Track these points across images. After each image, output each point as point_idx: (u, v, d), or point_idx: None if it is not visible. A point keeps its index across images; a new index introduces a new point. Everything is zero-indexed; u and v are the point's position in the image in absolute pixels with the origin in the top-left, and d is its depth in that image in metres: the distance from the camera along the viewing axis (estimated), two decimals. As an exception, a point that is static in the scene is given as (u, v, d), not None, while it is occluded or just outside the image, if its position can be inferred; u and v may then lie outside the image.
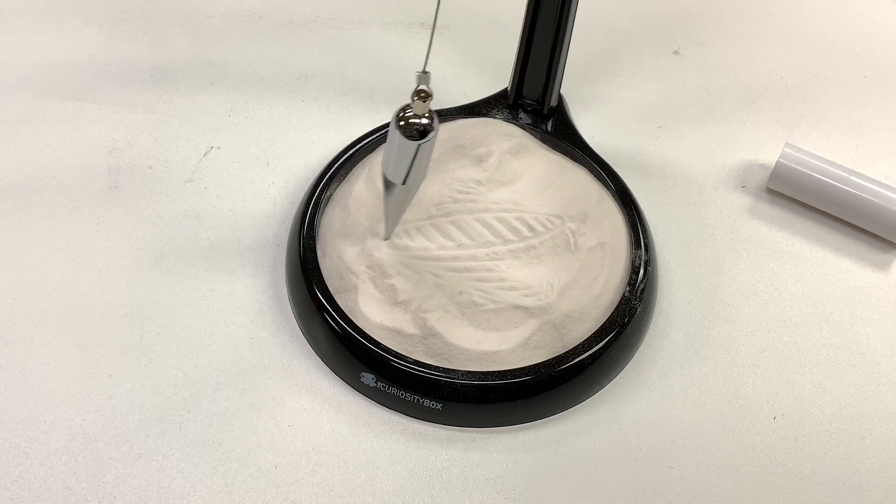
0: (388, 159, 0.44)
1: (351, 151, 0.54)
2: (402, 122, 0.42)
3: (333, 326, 0.47)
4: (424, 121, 0.42)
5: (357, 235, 0.50)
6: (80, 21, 0.64)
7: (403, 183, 0.44)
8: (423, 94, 0.41)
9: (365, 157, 0.54)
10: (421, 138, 0.42)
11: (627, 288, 0.49)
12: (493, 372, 0.46)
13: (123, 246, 0.53)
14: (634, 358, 0.50)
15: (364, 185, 0.52)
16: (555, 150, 0.55)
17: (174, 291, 0.51)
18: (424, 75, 0.41)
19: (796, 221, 0.56)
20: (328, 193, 0.52)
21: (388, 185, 0.46)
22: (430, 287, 0.48)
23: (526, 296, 0.48)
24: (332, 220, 0.51)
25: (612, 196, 0.53)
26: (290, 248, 0.51)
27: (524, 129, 0.55)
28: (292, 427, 0.47)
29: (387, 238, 0.49)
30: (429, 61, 0.42)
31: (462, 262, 0.49)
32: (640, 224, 0.52)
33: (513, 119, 0.56)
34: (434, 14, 0.41)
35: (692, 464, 0.46)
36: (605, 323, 0.48)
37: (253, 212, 0.55)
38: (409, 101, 0.42)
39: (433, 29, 0.41)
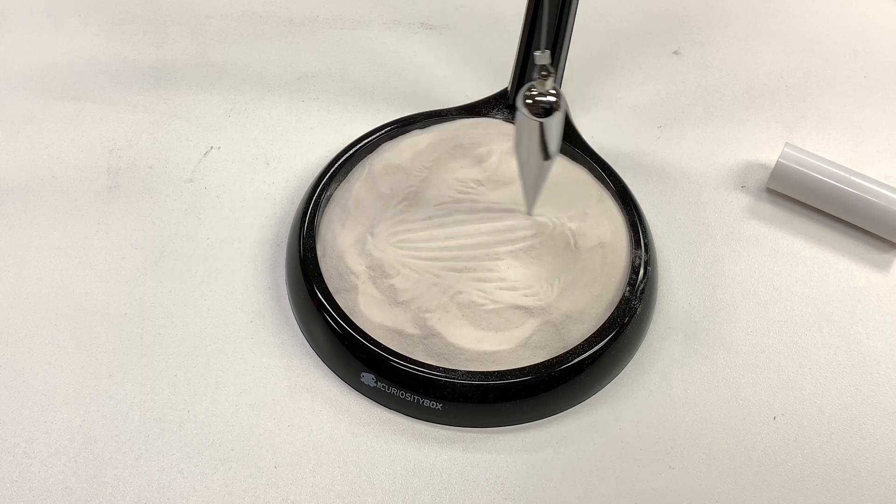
0: (527, 142, 0.45)
1: (351, 151, 0.54)
2: (529, 101, 0.43)
3: (333, 326, 0.47)
4: (550, 98, 0.43)
5: (357, 235, 0.50)
6: (80, 21, 0.64)
7: (547, 159, 0.46)
8: (544, 73, 0.42)
9: (365, 157, 0.54)
10: (545, 116, 0.43)
11: (627, 288, 0.49)
12: (493, 372, 0.46)
13: (123, 246, 0.53)
14: (634, 358, 0.50)
15: (364, 185, 0.52)
16: (555, 150, 0.55)
17: (174, 291, 0.51)
18: (544, 54, 0.41)
19: (796, 221, 0.56)
20: (328, 193, 0.52)
21: (524, 165, 0.47)
22: (430, 287, 0.48)
23: (526, 296, 0.48)
24: (332, 220, 0.51)
25: (612, 196, 0.53)
26: (290, 248, 0.51)
27: (524, 129, 0.55)
28: (292, 427, 0.47)
29: (530, 212, 0.51)
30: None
31: (462, 262, 0.49)
32: (640, 224, 0.52)
33: (513, 119, 0.56)
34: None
35: (692, 464, 0.46)
36: (605, 323, 0.48)
37: (253, 212, 0.55)
38: (528, 80, 0.43)
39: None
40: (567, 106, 0.43)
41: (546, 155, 0.45)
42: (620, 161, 0.56)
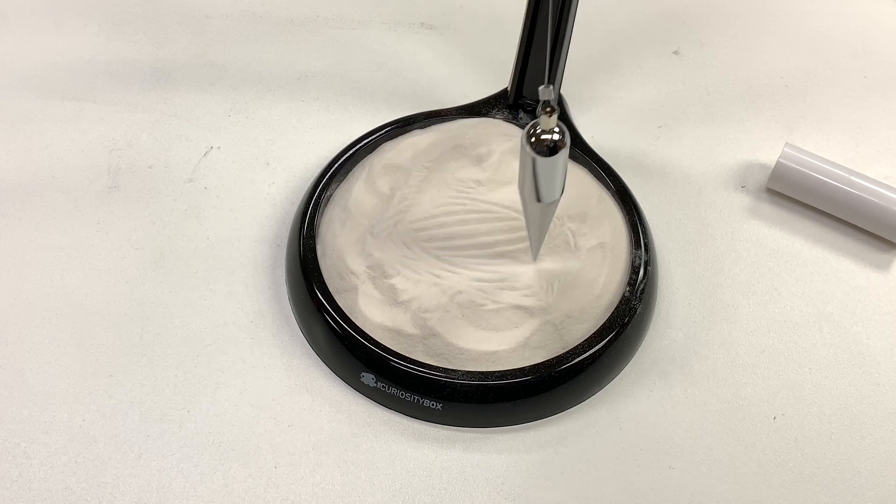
0: (530, 181, 0.42)
1: (351, 151, 0.54)
2: (532, 140, 0.40)
3: (333, 326, 0.47)
4: (554, 136, 0.40)
5: (357, 235, 0.50)
6: (80, 21, 0.64)
7: (538, 200, 0.43)
8: (548, 109, 0.39)
9: (365, 157, 0.54)
10: (550, 155, 0.40)
11: (627, 288, 0.49)
12: (493, 372, 0.46)
13: (123, 246, 0.53)
14: (634, 358, 0.50)
15: (364, 185, 0.52)
16: (555, 150, 0.55)
17: (174, 291, 0.51)
18: (548, 89, 0.39)
19: (796, 221, 0.56)
20: (328, 193, 0.52)
21: (529, 206, 0.44)
22: (430, 287, 0.48)
23: (526, 296, 0.48)
24: (332, 220, 0.51)
25: (612, 196, 0.53)
26: (290, 248, 0.51)
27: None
28: (292, 427, 0.47)
29: (534, 259, 0.49)
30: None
31: (462, 261, 0.49)
32: (640, 224, 0.52)
33: (513, 119, 0.56)
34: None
35: (692, 464, 0.46)
36: (605, 323, 0.48)
37: (253, 212, 0.55)
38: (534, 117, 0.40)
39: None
40: (569, 143, 0.41)
41: (538, 196, 0.43)
42: (620, 161, 0.56)
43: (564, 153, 0.41)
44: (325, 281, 0.49)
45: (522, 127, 0.55)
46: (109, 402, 0.47)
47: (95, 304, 0.50)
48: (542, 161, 0.41)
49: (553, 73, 0.54)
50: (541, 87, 0.39)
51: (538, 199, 0.43)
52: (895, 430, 0.48)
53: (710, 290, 0.53)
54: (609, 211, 0.52)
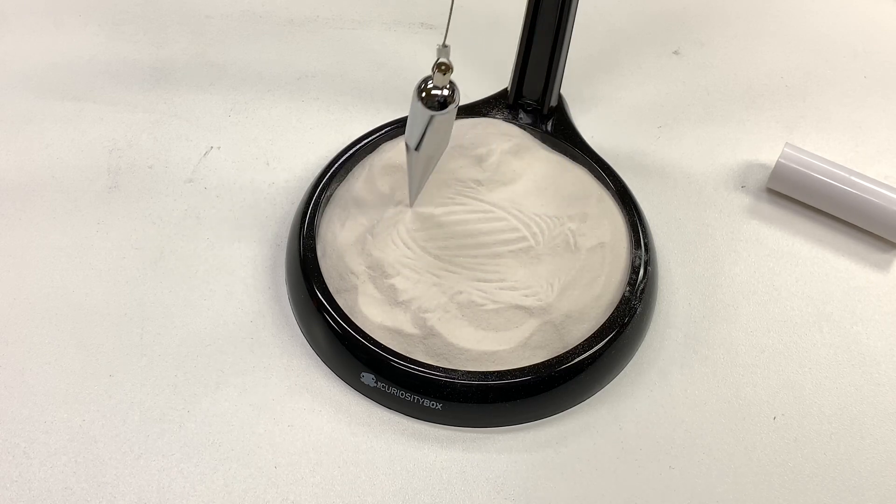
0: (408, 125, 0.46)
1: (351, 151, 0.54)
2: (423, 94, 0.43)
3: (333, 326, 0.47)
4: (445, 92, 0.43)
5: (357, 235, 0.50)
6: (80, 21, 0.64)
7: (416, 149, 0.46)
8: (443, 67, 0.42)
9: (365, 157, 0.54)
10: (440, 109, 0.44)
11: (627, 288, 0.49)
12: (493, 372, 0.46)
13: (123, 246, 0.53)
14: (634, 358, 0.50)
15: (364, 185, 0.52)
16: (555, 150, 0.55)
17: (174, 291, 0.51)
18: (445, 48, 0.42)
19: (796, 221, 0.56)
20: (328, 193, 0.52)
21: (408, 150, 0.47)
22: (430, 287, 0.48)
23: (526, 296, 0.48)
24: (332, 220, 0.51)
25: (612, 196, 0.53)
26: (290, 248, 0.51)
27: (524, 129, 0.55)
28: (292, 427, 0.47)
29: (411, 205, 0.51)
30: (433, 62, 0.42)
31: (462, 261, 0.49)
32: (640, 224, 0.52)
33: (513, 119, 0.56)
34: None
35: (692, 464, 0.46)
36: (605, 323, 0.48)
37: (253, 212, 0.55)
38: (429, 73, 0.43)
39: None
40: (459, 101, 0.44)
41: (418, 146, 0.46)
42: (620, 161, 0.56)
43: (452, 110, 0.44)
44: (325, 281, 0.49)
45: (522, 127, 0.55)
46: (109, 402, 0.47)
47: (95, 304, 0.50)
48: (429, 115, 0.44)
49: (552, 75, 0.54)
50: (437, 46, 0.42)
51: (417, 149, 0.46)
52: (895, 430, 0.48)
53: (710, 290, 0.53)
54: (609, 211, 0.52)
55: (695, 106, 0.62)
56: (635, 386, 0.49)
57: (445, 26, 0.42)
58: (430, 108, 0.44)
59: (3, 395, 0.47)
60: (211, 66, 0.62)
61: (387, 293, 0.48)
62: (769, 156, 0.59)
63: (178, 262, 0.52)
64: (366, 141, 0.54)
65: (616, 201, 0.53)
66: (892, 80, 0.64)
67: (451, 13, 0.42)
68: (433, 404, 0.46)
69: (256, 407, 0.47)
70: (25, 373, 0.48)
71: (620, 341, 0.48)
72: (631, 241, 0.51)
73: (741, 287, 0.53)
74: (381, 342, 0.47)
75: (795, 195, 0.56)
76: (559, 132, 0.56)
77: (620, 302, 0.49)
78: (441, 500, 0.45)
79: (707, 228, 0.55)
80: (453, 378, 0.46)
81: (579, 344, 0.47)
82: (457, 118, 0.55)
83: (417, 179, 0.49)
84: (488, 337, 0.47)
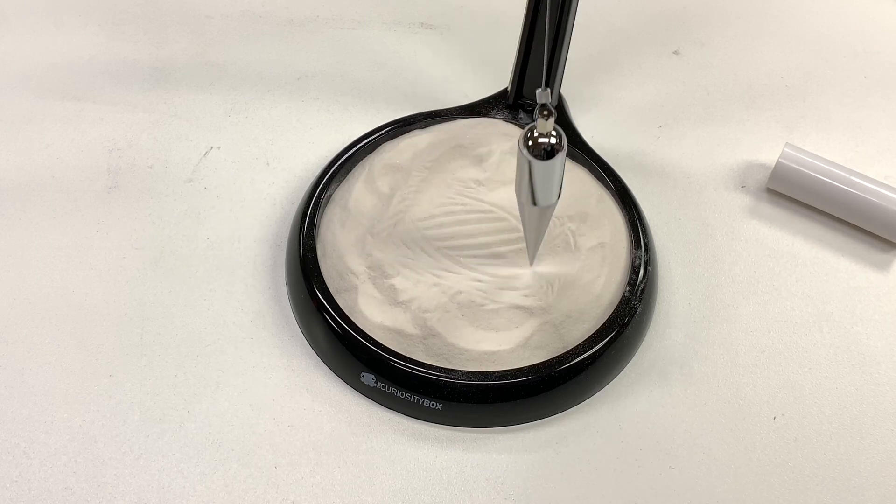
0: (517, 178, 0.43)
1: (351, 151, 0.54)
2: (529, 143, 0.40)
3: (333, 326, 0.47)
4: (552, 140, 0.40)
5: (357, 235, 0.50)
6: (80, 21, 0.64)
7: (534, 203, 0.43)
8: (545, 112, 0.39)
9: (365, 157, 0.54)
10: (548, 158, 0.40)
11: (627, 288, 0.49)
12: (493, 372, 0.46)
13: (123, 246, 0.53)
14: (634, 358, 0.50)
15: (364, 185, 0.52)
16: (555, 150, 0.55)
17: (174, 291, 0.51)
18: (545, 92, 0.39)
19: (796, 221, 0.56)
20: (328, 193, 0.52)
21: (520, 206, 0.44)
22: (430, 287, 0.48)
23: (526, 296, 0.48)
24: (332, 220, 0.51)
25: (612, 196, 0.53)
26: (290, 248, 0.51)
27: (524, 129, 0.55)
28: (292, 427, 0.47)
29: (531, 263, 0.49)
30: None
31: (462, 261, 0.49)
32: (640, 224, 0.52)
33: (513, 119, 0.56)
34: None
35: (692, 464, 0.46)
36: (605, 323, 0.48)
37: (253, 212, 0.55)
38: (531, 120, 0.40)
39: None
40: (566, 147, 0.41)
41: (534, 200, 0.43)
42: (620, 161, 0.56)
43: (561, 157, 0.41)
44: (325, 281, 0.49)
45: (522, 127, 0.55)
46: (109, 402, 0.47)
47: (95, 304, 0.50)
48: (538, 165, 0.41)
49: (552, 75, 0.54)
50: (538, 91, 0.39)
51: (534, 203, 0.43)
52: (895, 430, 0.48)
53: (710, 290, 0.53)
54: (609, 211, 0.52)
55: (695, 106, 0.62)
56: (635, 386, 0.49)
57: (544, 70, 0.39)
58: (537, 157, 0.40)
59: (3, 395, 0.47)
60: (211, 66, 0.62)
61: (387, 293, 0.48)
62: (769, 156, 0.59)
63: (178, 262, 0.52)
64: (366, 141, 0.54)
65: (616, 201, 0.53)
66: (892, 80, 0.64)
67: (552, 56, 0.38)
68: (433, 404, 0.46)
69: (256, 407, 0.47)
70: (25, 373, 0.48)
71: (620, 341, 0.48)
72: (631, 241, 0.51)
73: (741, 287, 0.53)
74: (381, 342, 0.47)
75: (795, 195, 0.56)
76: (559, 132, 0.56)
77: (620, 302, 0.49)
78: (441, 500, 0.45)
79: (707, 228, 0.55)
80: (453, 378, 0.46)
81: (579, 344, 0.47)
82: (457, 118, 0.56)
83: (534, 234, 0.46)
84: (488, 337, 0.47)
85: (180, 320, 0.50)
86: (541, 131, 0.40)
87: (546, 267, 0.49)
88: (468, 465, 0.46)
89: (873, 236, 0.55)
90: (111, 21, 0.64)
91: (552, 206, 0.44)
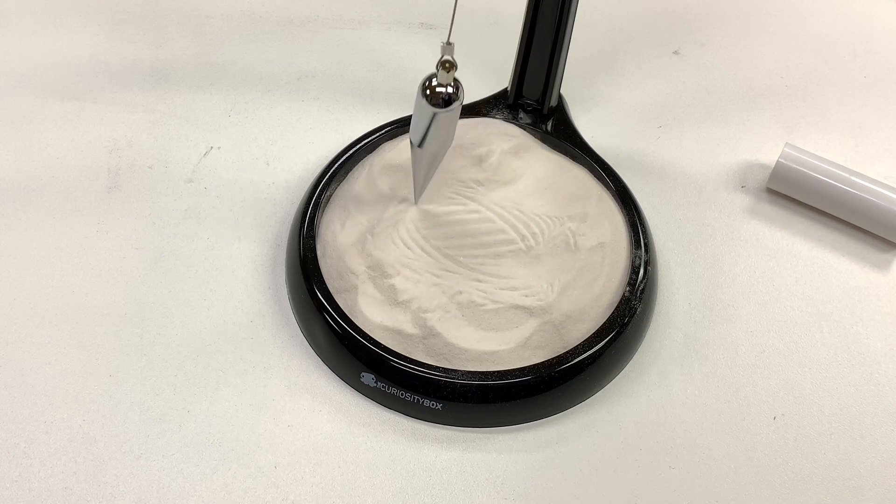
0: (413, 122, 0.46)
1: (351, 151, 0.54)
2: (427, 91, 0.44)
3: (333, 326, 0.47)
4: (450, 90, 0.44)
5: (357, 235, 0.50)
6: (80, 21, 0.64)
7: (420, 146, 0.46)
8: (447, 64, 0.43)
9: (365, 157, 0.54)
10: (445, 106, 0.44)
11: (627, 288, 0.49)
12: (493, 372, 0.46)
13: (123, 246, 0.53)
14: (634, 358, 0.50)
15: (364, 185, 0.52)
16: (555, 150, 0.55)
17: (174, 291, 0.51)
18: (449, 46, 0.42)
19: (796, 221, 0.56)
20: (328, 193, 0.52)
21: (412, 147, 0.47)
22: (430, 287, 0.48)
23: (526, 296, 0.48)
24: (332, 220, 0.51)
25: (612, 196, 0.53)
26: (290, 248, 0.51)
27: (524, 129, 0.55)
28: (292, 427, 0.47)
29: (416, 202, 0.51)
30: (433, 62, 0.42)
31: (462, 261, 0.49)
32: (640, 224, 0.52)
33: (513, 119, 0.56)
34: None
35: (692, 464, 0.46)
36: (605, 323, 0.48)
37: (253, 212, 0.55)
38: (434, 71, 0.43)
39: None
40: (463, 98, 0.44)
41: (422, 143, 0.46)
42: (620, 161, 0.56)
43: (456, 107, 0.44)
44: (325, 281, 0.49)
45: (523, 127, 0.55)
46: (109, 402, 0.47)
47: (95, 304, 0.50)
48: (434, 112, 0.44)
49: (552, 75, 0.54)
50: (441, 44, 0.42)
51: (421, 146, 0.46)
52: (895, 429, 0.48)
53: (710, 290, 0.53)
54: (609, 211, 0.52)
55: (695, 106, 0.62)
56: (635, 386, 0.49)
57: (450, 23, 0.42)
58: (434, 105, 0.44)
59: (3, 395, 0.47)
60: (211, 66, 0.62)
61: (387, 293, 0.48)
62: (769, 156, 0.59)
63: (178, 262, 0.52)
64: (366, 141, 0.54)
65: (616, 201, 0.53)
66: (892, 80, 0.64)
67: (454, 10, 0.42)
68: (433, 404, 0.46)
69: (256, 407, 0.47)
70: (25, 373, 0.48)
71: (620, 341, 0.48)
72: (631, 241, 0.51)
73: (741, 287, 0.53)
74: (381, 342, 0.47)
75: (795, 195, 0.56)
76: (559, 132, 0.56)
77: (620, 302, 0.49)
78: (441, 500, 0.45)
79: (707, 228, 0.55)
80: (453, 378, 0.46)
81: (579, 344, 0.47)
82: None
83: (422, 176, 0.49)
84: (488, 337, 0.47)
85: (180, 320, 0.50)
86: (440, 81, 0.43)
87: (546, 267, 0.49)
88: (468, 465, 0.46)
89: (873, 236, 0.55)
90: (111, 21, 0.64)
91: (442, 153, 0.48)
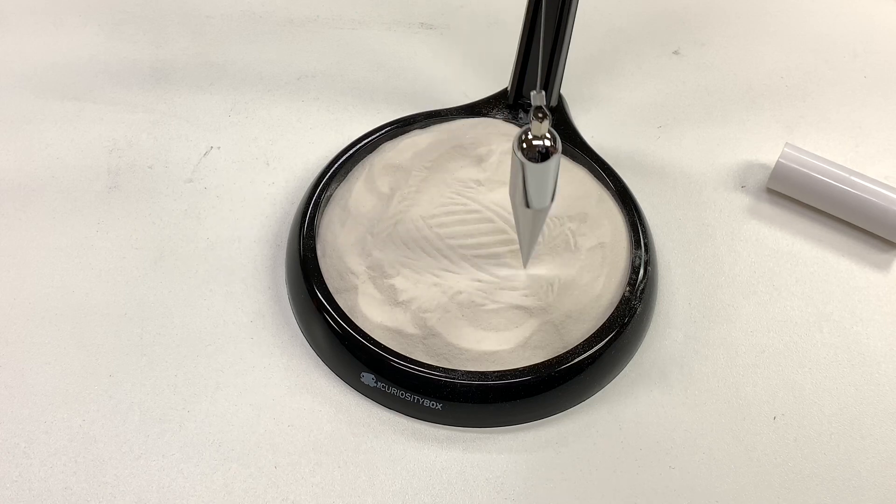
0: (511, 180, 0.42)
1: (351, 151, 0.54)
2: (523, 145, 0.40)
3: (333, 326, 0.47)
4: (547, 143, 0.40)
5: (357, 235, 0.50)
6: (80, 21, 0.64)
7: (527, 206, 0.43)
8: (540, 115, 0.39)
9: (365, 157, 0.54)
10: (542, 161, 0.40)
11: (627, 288, 0.49)
12: (493, 372, 0.46)
13: (123, 246, 0.53)
14: (634, 358, 0.50)
15: (364, 185, 0.52)
16: (555, 150, 0.55)
17: (174, 291, 0.51)
18: (539, 94, 0.39)
19: (796, 221, 0.56)
20: (328, 193, 0.52)
21: (514, 207, 0.44)
22: (430, 287, 0.48)
23: (526, 296, 0.48)
24: (332, 220, 0.51)
25: (612, 196, 0.53)
26: (290, 248, 0.51)
27: (524, 130, 0.55)
28: (292, 427, 0.47)
29: (524, 266, 0.48)
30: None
31: (462, 261, 0.49)
32: (640, 224, 0.52)
33: (513, 119, 0.56)
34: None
35: (692, 464, 0.46)
36: (605, 323, 0.48)
37: (253, 212, 0.55)
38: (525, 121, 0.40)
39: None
40: (560, 149, 0.41)
41: (527, 203, 0.42)
42: (620, 161, 0.56)
43: (556, 160, 0.40)
44: (325, 281, 0.49)
45: (522, 127, 0.55)
46: (109, 402, 0.47)
47: (95, 304, 0.50)
48: (532, 167, 0.40)
49: (552, 74, 0.54)
50: (532, 93, 0.39)
51: (528, 206, 0.43)
52: (895, 429, 0.48)
53: (710, 290, 0.53)
54: (609, 211, 0.52)
55: (695, 106, 0.62)
56: (635, 386, 0.49)
57: (539, 71, 0.39)
58: (531, 160, 0.40)
59: (3, 395, 0.47)
60: (211, 66, 0.62)
61: (387, 293, 0.48)
62: (769, 156, 0.59)
63: (178, 262, 0.52)
64: (366, 141, 0.54)
65: (616, 201, 0.53)
66: (892, 80, 0.64)
67: (540, 57, 0.37)
68: (433, 404, 0.46)
69: (256, 407, 0.47)
70: (25, 373, 0.48)
71: (620, 341, 0.48)
72: (631, 241, 0.51)
73: (741, 287, 0.53)
74: (381, 342, 0.47)
75: (795, 195, 0.56)
76: (559, 132, 0.56)
77: (620, 302, 0.49)
78: (441, 500, 0.45)
79: (707, 228, 0.55)
80: (453, 378, 0.46)
81: (579, 344, 0.47)
82: (457, 118, 0.56)
83: (528, 237, 0.46)
84: (488, 337, 0.47)
85: (180, 320, 0.50)
86: (535, 133, 0.40)
87: (546, 267, 0.49)
88: (468, 465, 0.46)
89: (873, 236, 0.55)
90: (111, 21, 0.64)
91: (546, 210, 0.44)
